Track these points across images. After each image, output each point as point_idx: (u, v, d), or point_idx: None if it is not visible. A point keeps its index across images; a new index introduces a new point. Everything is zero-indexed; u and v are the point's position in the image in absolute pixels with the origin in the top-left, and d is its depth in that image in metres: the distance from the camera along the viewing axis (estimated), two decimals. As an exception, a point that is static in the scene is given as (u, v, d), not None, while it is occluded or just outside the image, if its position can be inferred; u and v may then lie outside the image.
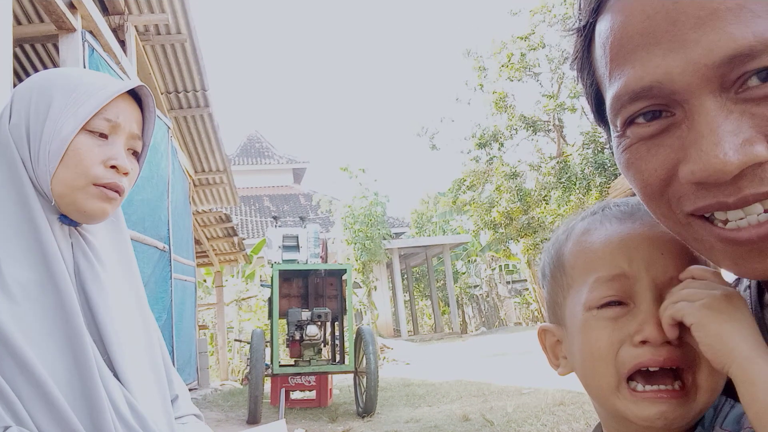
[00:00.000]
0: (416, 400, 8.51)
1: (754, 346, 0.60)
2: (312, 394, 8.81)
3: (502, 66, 19.91)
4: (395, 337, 23.30)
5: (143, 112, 1.20)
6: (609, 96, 0.65)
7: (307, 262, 8.38)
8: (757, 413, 0.58)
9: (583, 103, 19.97)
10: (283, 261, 8.37)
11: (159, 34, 6.84)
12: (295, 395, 9.09)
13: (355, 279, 19.89)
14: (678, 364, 0.67)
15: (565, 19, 18.68)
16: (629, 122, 0.64)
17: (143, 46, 6.79)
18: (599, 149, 18.27)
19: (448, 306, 26.82)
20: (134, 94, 1.19)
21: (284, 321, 8.20)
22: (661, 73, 0.59)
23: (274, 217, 9.48)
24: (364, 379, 7.30)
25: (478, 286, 30.63)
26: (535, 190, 19.77)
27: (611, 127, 0.69)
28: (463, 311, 29.77)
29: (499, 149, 20.72)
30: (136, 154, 1.19)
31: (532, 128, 20.00)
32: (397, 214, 30.65)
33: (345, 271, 8.26)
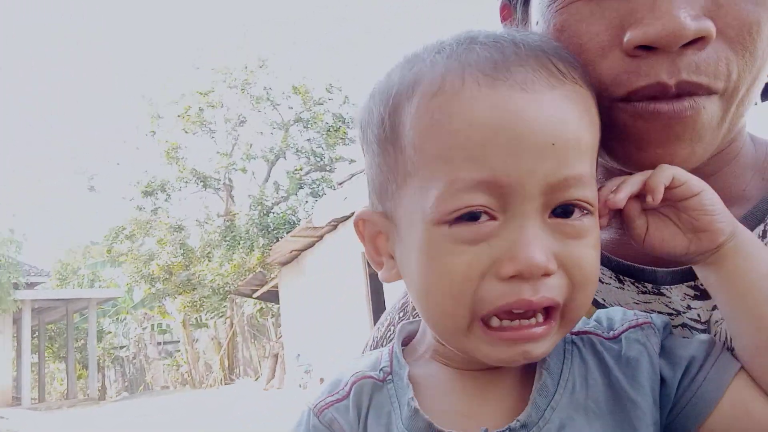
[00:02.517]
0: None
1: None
2: None
3: (179, 116, 19.58)
4: (14, 406, 19.65)
5: None
6: None
7: None
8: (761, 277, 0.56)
9: (255, 167, 20.90)
10: None
11: None
12: None
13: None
14: (555, 302, 0.53)
15: (246, 85, 19.54)
16: None
17: None
18: (265, 212, 19.06)
19: (87, 369, 23.91)
20: None
21: None
22: None
23: None
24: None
25: (125, 346, 28.16)
26: (199, 247, 19.46)
27: None
28: (103, 375, 26.84)
29: (166, 200, 19.99)
30: None
31: (202, 183, 19.89)
32: (36, 262, 26.66)
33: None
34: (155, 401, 19.15)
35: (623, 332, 0.58)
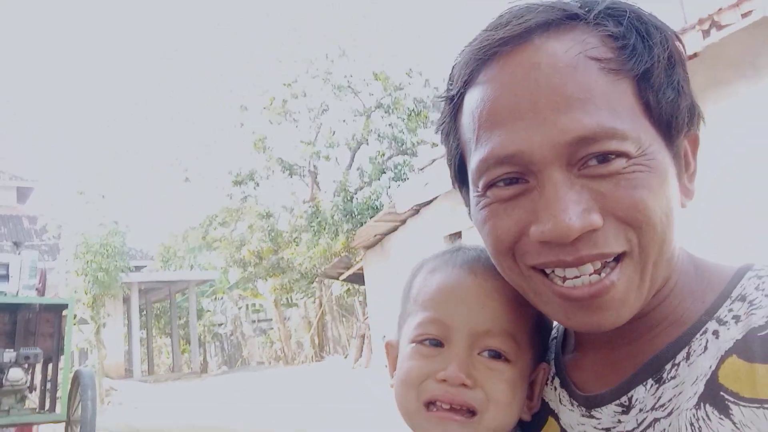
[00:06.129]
0: (139, 449, 7.86)
1: None
2: (10, 450, 7.57)
3: (264, 108, 20.21)
4: (126, 378, 21.38)
5: None
6: (475, 159, 0.73)
7: (17, 295, 7.32)
8: None
9: (338, 154, 21.34)
10: (-13, 292, 7.17)
11: None
12: (-13, 452, 7.72)
13: (82, 315, 17.85)
14: (466, 406, 0.78)
15: (327, 75, 19.89)
16: (490, 185, 0.72)
17: None
18: (349, 198, 19.44)
19: (189, 344, 25.55)
20: None
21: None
22: (524, 143, 0.68)
23: (-19, 241, 8.13)
24: (78, 429, 6.54)
25: (222, 324, 29.78)
26: (287, 232, 20.18)
27: (472, 187, 0.77)
28: (204, 350, 28.59)
29: (254, 188, 20.82)
30: None
31: (288, 171, 20.52)
32: (141, 246, 28.55)
33: (66, 305, 7.40)
34: (253, 376, 20.19)
35: None
